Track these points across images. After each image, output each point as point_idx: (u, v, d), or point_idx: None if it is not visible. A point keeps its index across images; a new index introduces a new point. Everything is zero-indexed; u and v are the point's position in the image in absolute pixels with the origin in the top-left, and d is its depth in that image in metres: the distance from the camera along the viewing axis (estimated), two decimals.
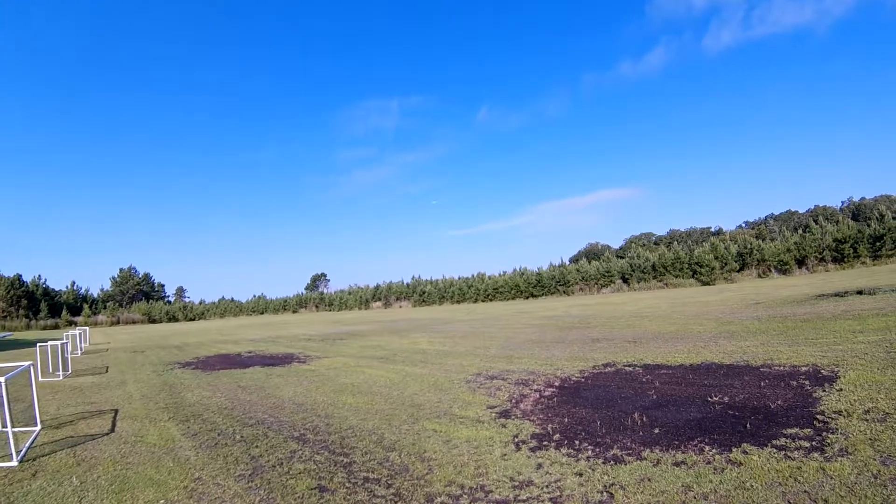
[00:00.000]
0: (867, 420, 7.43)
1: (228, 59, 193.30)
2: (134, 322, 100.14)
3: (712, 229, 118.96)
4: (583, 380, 12.64)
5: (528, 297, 77.96)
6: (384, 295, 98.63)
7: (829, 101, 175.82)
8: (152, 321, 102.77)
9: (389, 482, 6.79)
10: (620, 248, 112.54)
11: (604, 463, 6.88)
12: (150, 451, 8.97)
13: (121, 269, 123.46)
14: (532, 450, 7.67)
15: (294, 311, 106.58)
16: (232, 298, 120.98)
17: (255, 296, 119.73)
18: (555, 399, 10.93)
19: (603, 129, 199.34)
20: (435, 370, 15.83)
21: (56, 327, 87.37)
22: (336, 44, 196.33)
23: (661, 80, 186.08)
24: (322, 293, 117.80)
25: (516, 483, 6.45)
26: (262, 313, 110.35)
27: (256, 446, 8.88)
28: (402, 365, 17.42)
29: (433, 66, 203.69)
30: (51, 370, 20.96)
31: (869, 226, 62.99)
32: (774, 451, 6.71)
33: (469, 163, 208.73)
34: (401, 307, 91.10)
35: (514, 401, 11.04)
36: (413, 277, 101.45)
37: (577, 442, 7.89)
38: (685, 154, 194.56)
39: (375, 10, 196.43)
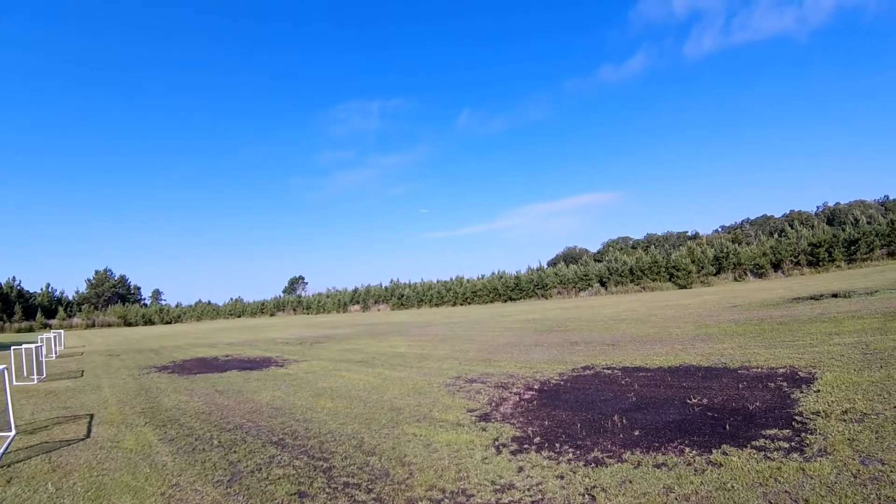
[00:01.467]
0: (845, 420, 7.49)
1: (208, 60, 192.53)
2: (109, 325, 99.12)
3: (689, 234, 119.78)
4: (562, 383, 12.65)
5: (506, 301, 78.07)
6: (362, 298, 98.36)
7: (805, 107, 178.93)
8: (128, 324, 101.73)
9: (370, 487, 6.74)
10: (598, 252, 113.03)
11: (585, 465, 6.88)
12: (126, 457, 8.84)
13: (96, 272, 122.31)
14: (513, 453, 7.65)
15: (272, 315, 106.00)
16: (209, 301, 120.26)
17: (232, 299, 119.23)
18: (534, 402, 10.92)
19: (583, 134, 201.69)
20: (414, 374, 15.77)
21: (31, 330, 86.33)
22: (317, 45, 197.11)
23: (641, 86, 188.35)
24: (300, 296, 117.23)
25: (497, 487, 6.42)
26: (239, 316, 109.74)
27: (234, 451, 8.77)
28: (381, 368, 17.34)
29: (415, 69, 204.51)
30: (25, 374, 20.62)
31: (844, 230, 63.79)
32: (754, 451, 6.74)
33: (450, 166, 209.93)
34: (379, 310, 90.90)
35: (493, 404, 11.01)
36: (391, 280, 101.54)
37: (557, 445, 7.88)
38: (663, 159, 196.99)
39: (357, 13, 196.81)
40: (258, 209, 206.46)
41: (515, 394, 11.85)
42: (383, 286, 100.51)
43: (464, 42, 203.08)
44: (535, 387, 12.43)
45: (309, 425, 10.32)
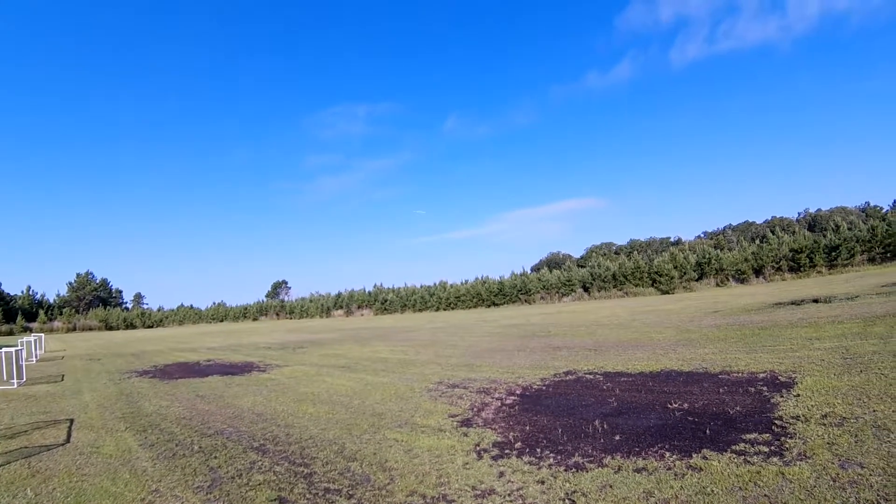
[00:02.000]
0: (825, 425, 7.53)
1: (194, 62, 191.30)
2: (90, 329, 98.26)
3: (672, 239, 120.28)
4: (544, 388, 12.67)
5: (489, 306, 78.07)
6: (346, 303, 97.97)
7: (788, 115, 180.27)
8: (109, 328, 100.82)
9: (351, 493, 6.71)
10: (581, 258, 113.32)
11: (565, 470, 6.88)
12: (106, 463, 8.76)
13: (77, 275, 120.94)
14: (494, 458, 7.65)
15: (254, 319, 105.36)
16: (191, 305, 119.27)
17: (214, 303, 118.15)
18: (516, 407, 10.93)
19: (568, 140, 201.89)
20: (396, 379, 15.74)
21: (11, 333, 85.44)
22: (305, 49, 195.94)
23: (627, 93, 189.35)
24: (283, 301, 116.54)
25: (478, 492, 6.41)
26: (221, 321, 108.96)
27: (215, 457, 8.71)
28: (364, 374, 17.29)
29: (402, 74, 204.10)
30: (4, 378, 20.39)
31: (825, 236, 64.27)
32: (734, 456, 6.77)
33: (436, 171, 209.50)
34: (362, 315, 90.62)
35: (475, 409, 11.01)
36: (375, 285, 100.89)
37: (538, 450, 7.89)
38: (647, 165, 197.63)
39: (345, 18, 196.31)
40: (242, 213, 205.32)
41: (497, 399, 11.85)
42: (367, 291, 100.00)
43: (451, 47, 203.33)
44: (518, 392, 12.44)
45: (290, 431, 10.28)
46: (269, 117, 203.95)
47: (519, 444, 8.28)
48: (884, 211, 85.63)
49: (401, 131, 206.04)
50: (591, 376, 13.52)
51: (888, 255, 57.23)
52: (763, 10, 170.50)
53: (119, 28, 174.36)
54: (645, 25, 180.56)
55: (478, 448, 8.20)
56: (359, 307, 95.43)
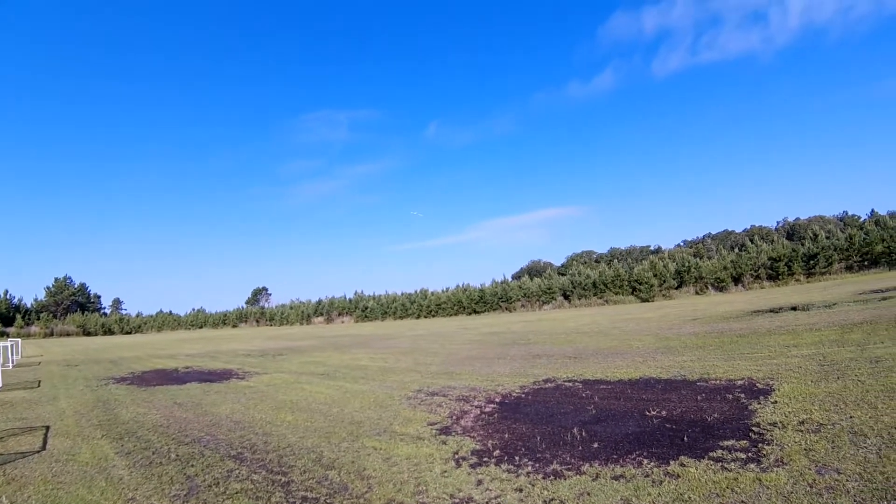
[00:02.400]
0: (802, 431, 7.58)
1: (174, 66, 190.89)
2: (68, 334, 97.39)
3: (652, 248, 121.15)
4: (523, 395, 12.66)
5: (470, 314, 78.14)
6: (326, 310, 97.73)
7: (767, 125, 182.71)
8: (87, 333, 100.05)
9: (328, 501, 6.66)
10: (562, 266, 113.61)
11: (543, 478, 6.87)
12: (82, 470, 8.65)
13: (56, 279, 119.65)
14: (472, 466, 7.62)
15: (234, 326, 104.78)
16: (170, 312, 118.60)
17: (194, 309, 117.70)
18: (495, 415, 10.91)
19: (549, 148, 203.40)
20: (376, 387, 15.67)
21: None
22: (287, 55, 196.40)
23: (609, 102, 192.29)
24: (263, 308, 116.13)
25: (456, 500, 6.39)
26: (200, 327, 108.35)
27: (192, 465, 8.62)
28: (343, 381, 17.21)
29: (384, 81, 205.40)
30: None
31: (803, 245, 65.15)
32: (711, 462, 6.79)
33: (417, 178, 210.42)
34: (343, 322, 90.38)
35: (454, 417, 10.98)
36: (356, 292, 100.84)
37: (517, 458, 7.87)
38: (628, 174, 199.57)
39: (328, 24, 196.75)
40: (223, 218, 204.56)
41: (477, 407, 11.83)
42: (347, 298, 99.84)
43: (433, 54, 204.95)
44: (497, 400, 12.42)
45: (268, 439, 10.19)
46: (249, 122, 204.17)
47: (497, 451, 8.26)
48: (861, 220, 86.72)
49: (383, 138, 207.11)
50: (571, 384, 13.53)
51: (865, 263, 58.11)
52: (746, 22, 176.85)
53: (94, 30, 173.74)
54: (628, 36, 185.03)
55: (456, 456, 8.17)
56: (339, 314, 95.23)
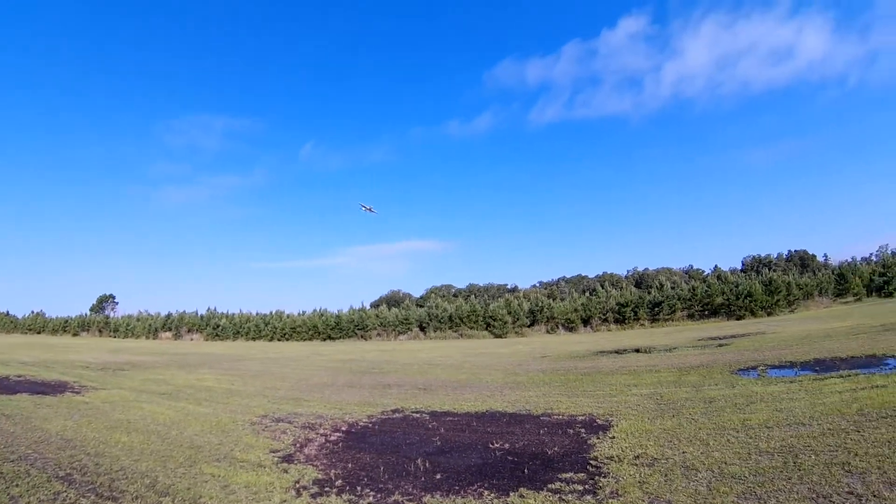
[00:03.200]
0: (637, 465, 7.76)
1: (49, 49, 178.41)
2: None
3: (509, 286, 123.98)
4: (370, 425, 12.44)
5: (325, 339, 76.90)
6: (175, 325, 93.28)
7: (626, 181, 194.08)
8: None
9: None
10: (421, 298, 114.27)
11: None
12: None
13: None
14: (313, 496, 7.34)
15: (75, 334, 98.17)
16: (7, 312, 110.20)
17: (32, 312, 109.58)
18: (340, 444, 10.64)
19: (421, 182, 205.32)
20: (220, 410, 14.99)
21: None
22: (169, 48, 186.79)
23: (485, 143, 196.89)
24: (108, 317, 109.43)
25: None
26: (39, 332, 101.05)
27: (17, 485, 7.93)
28: (186, 402, 16.36)
29: (266, 91, 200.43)
30: None
31: (649, 293, 68.89)
32: (549, 494, 6.81)
33: (286, 196, 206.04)
34: (192, 340, 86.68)
35: (298, 445, 10.62)
36: (208, 309, 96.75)
37: (358, 488, 7.64)
38: (493, 215, 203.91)
39: (217, 22, 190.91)
40: (71, 217, 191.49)
41: (322, 435, 11.50)
42: (199, 314, 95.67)
43: (320, 73, 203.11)
44: (343, 428, 12.13)
45: (100, 460, 9.49)
46: (120, 117, 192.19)
47: (339, 481, 7.99)
48: (705, 274, 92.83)
49: (256, 150, 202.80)
50: (418, 415, 13.41)
51: (706, 312, 62.09)
52: (622, 86, 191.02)
53: None
54: (511, 84, 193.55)
55: (297, 485, 7.84)
56: (189, 331, 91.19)
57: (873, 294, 62.63)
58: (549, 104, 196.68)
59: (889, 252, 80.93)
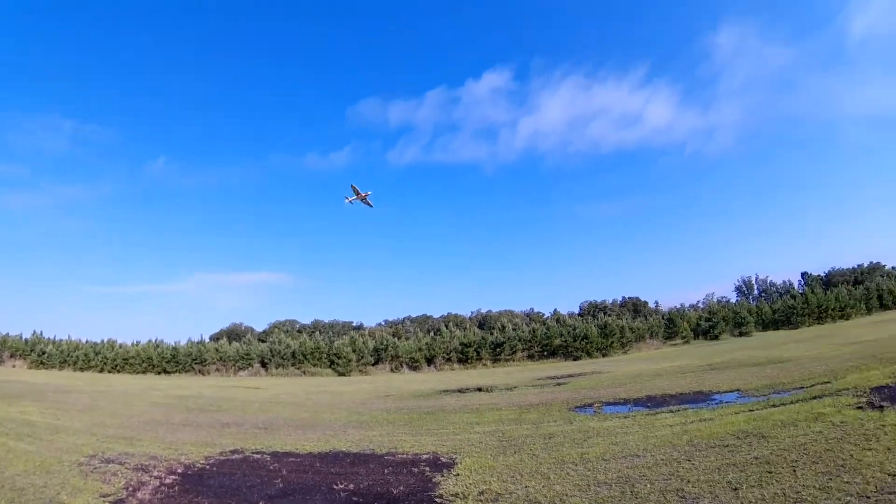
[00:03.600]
0: (481, 500, 7.94)
1: None
2: None
3: (354, 324, 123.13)
4: (208, 467, 11.98)
5: (160, 373, 73.09)
6: None
7: (474, 226, 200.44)
8: None
9: None
10: (264, 332, 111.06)
11: None
12: None
13: None
14: None
15: None
16: None
17: None
18: (176, 488, 10.21)
19: (277, 211, 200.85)
20: (44, 448, 13.91)
21: None
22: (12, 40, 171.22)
23: (341, 177, 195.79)
24: None
25: None
26: None
27: None
28: (5, 438, 15.07)
29: (122, 97, 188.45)
30: None
31: (492, 334, 71.00)
32: None
33: (133, 212, 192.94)
34: (14, 367, 79.57)
35: (130, 489, 10.10)
36: (34, 332, 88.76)
37: None
38: (342, 252, 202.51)
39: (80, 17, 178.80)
40: None
41: (156, 478, 10.96)
42: (23, 338, 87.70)
43: (186, 83, 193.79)
44: (179, 470, 11.61)
45: None
46: None
47: None
48: (545, 317, 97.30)
49: (105, 159, 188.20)
50: (259, 455, 13.03)
51: (545, 353, 64.95)
52: (479, 136, 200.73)
53: None
54: (373, 122, 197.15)
55: None
56: (11, 356, 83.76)
57: (700, 337, 69.07)
58: (409, 146, 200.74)
59: (714, 300, 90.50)
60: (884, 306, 71.90)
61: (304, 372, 68.10)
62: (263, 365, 72.42)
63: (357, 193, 61.65)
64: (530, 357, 65.74)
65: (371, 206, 62.69)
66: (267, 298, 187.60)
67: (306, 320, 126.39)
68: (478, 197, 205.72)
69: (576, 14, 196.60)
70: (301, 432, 16.61)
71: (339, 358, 68.78)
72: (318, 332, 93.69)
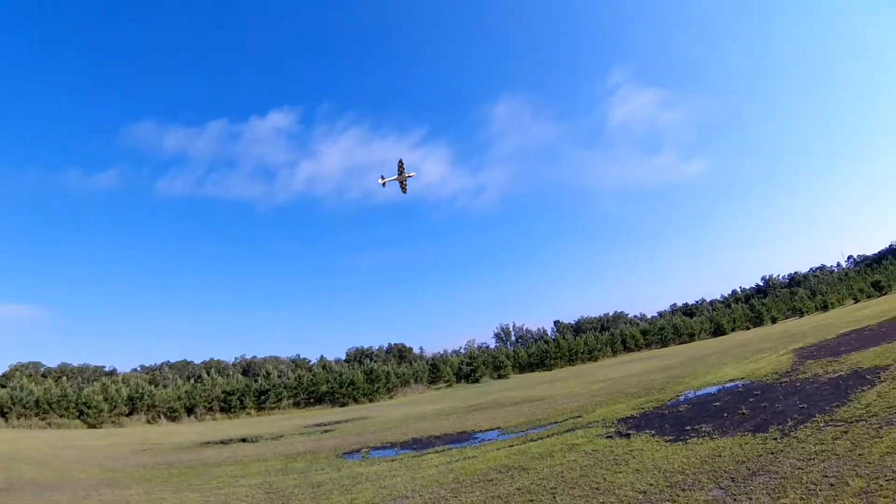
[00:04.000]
0: None
1: None
2: None
3: (106, 369, 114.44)
4: None
5: None
6: None
7: (238, 266, 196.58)
8: None
9: None
10: (3, 376, 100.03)
11: None
12: None
13: None
14: None
15: None
16: None
17: None
18: None
19: (23, 233, 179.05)
20: None
21: None
22: None
23: (106, 198, 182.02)
24: None
25: None
26: None
27: None
28: None
29: None
30: None
31: (256, 381, 69.05)
32: None
33: None
34: None
35: None
36: None
37: None
38: (94, 283, 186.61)
39: None
40: None
41: None
42: None
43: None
44: None
45: None
46: None
47: None
48: (311, 363, 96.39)
49: None
50: None
51: (312, 400, 64.49)
52: (255, 176, 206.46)
53: None
54: (147, 146, 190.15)
55: None
56: None
57: (462, 381, 72.82)
58: (180, 176, 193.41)
59: (475, 345, 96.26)
60: (627, 349, 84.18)
61: (49, 423, 62.09)
62: (3, 415, 65.26)
63: (401, 171, 50.58)
64: (297, 405, 64.86)
65: (406, 192, 50.60)
66: (7, 335, 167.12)
67: (53, 363, 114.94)
68: (248, 236, 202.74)
69: (368, 70, 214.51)
70: (48, 494, 15.25)
71: (89, 407, 63.50)
72: (66, 377, 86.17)
